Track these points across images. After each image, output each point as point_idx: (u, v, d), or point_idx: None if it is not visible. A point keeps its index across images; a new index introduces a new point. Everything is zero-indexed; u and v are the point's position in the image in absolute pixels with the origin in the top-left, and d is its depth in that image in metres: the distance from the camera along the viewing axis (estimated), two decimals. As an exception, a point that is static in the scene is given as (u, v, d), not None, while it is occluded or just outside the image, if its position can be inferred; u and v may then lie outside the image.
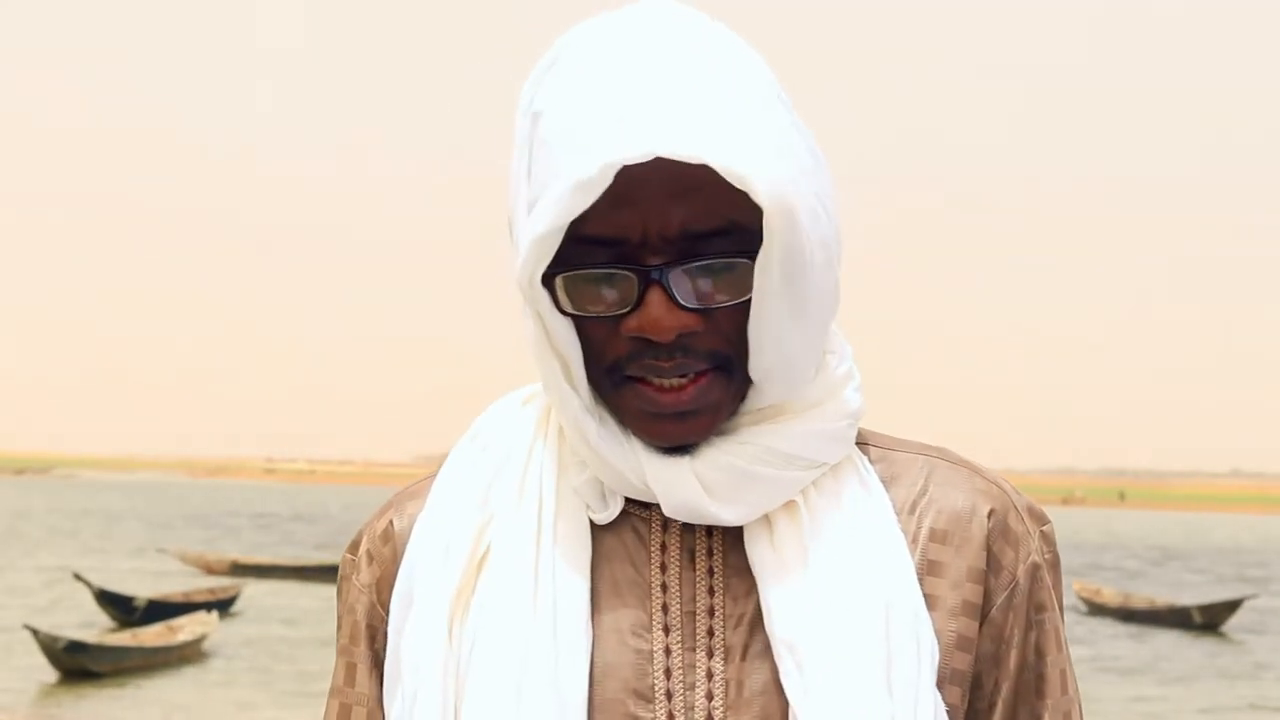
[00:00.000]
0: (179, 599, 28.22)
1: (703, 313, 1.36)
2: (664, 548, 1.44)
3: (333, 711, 1.52)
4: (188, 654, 22.60)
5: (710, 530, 1.44)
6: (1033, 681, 1.49)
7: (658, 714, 1.41)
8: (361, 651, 1.51)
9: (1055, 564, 1.51)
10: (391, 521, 1.52)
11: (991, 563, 1.47)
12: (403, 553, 1.48)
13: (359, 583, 1.52)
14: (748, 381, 1.40)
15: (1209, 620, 31.30)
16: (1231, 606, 31.79)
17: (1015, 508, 1.50)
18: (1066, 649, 1.52)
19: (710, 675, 1.41)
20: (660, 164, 1.32)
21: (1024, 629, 1.48)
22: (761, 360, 1.39)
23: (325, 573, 38.19)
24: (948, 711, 1.42)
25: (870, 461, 1.50)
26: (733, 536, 1.44)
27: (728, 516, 1.40)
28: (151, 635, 22.87)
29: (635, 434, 1.41)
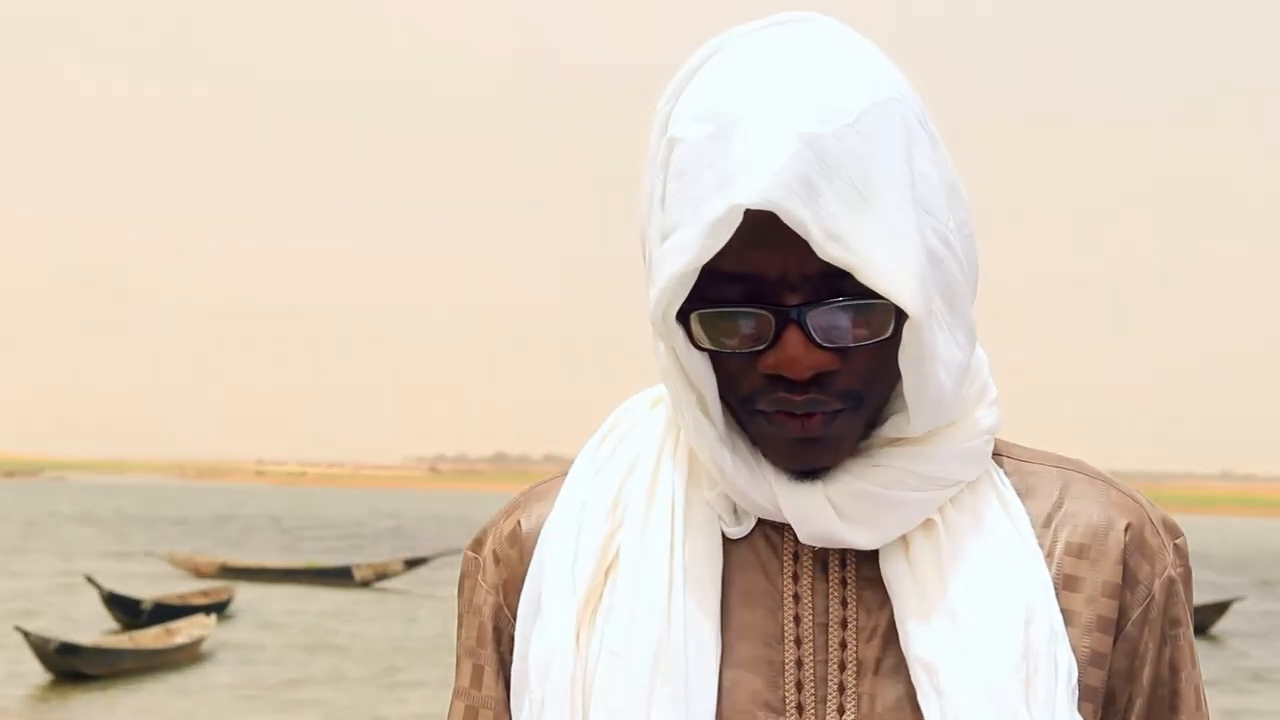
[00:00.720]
0: (175, 601, 28.23)
1: (839, 352, 1.34)
2: (797, 557, 1.43)
3: (458, 713, 1.51)
4: (184, 657, 22.54)
5: None
6: (1167, 697, 1.47)
7: None
8: (488, 654, 1.50)
9: (1188, 577, 1.50)
10: (519, 523, 1.51)
11: (1128, 577, 1.45)
12: (530, 555, 1.47)
13: (485, 583, 1.51)
14: (877, 413, 1.40)
15: (1198, 622, 31.35)
16: (1220, 609, 31.87)
17: (1151, 521, 1.48)
18: (1199, 665, 1.51)
19: (842, 689, 1.40)
20: None
21: (1159, 644, 1.46)
22: (921, 416, 1.38)
23: (313, 575, 38.27)
24: None
25: (1005, 474, 1.48)
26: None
27: (861, 541, 1.39)
28: (149, 638, 22.83)
29: (766, 458, 1.39)
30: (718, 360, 1.37)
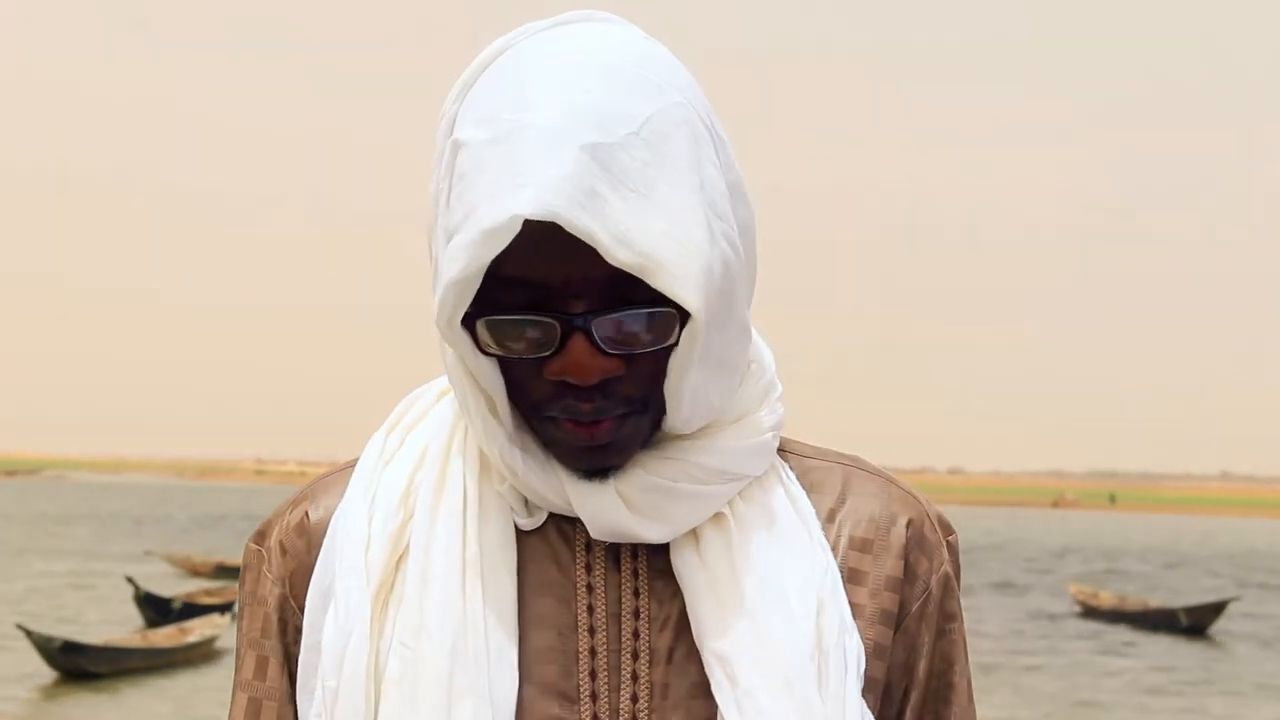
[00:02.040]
0: (204, 600, 28.22)
1: (625, 359, 1.35)
2: (589, 548, 1.44)
3: (240, 706, 1.49)
4: (195, 655, 22.52)
5: None
6: (940, 689, 1.51)
7: (583, 715, 1.40)
8: (273, 645, 1.48)
9: (959, 574, 1.53)
10: (307, 514, 1.50)
11: (908, 572, 1.48)
12: (318, 547, 1.46)
13: (270, 574, 1.49)
14: (663, 411, 1.40)
15: (1195, 622, 31.38)
16: (1217, 609, 31.88)
17: (929, 518, 1.52)
18: (969, 659, 1.55)
19: (635, 677, 1.41)
20: None
21: (934, 638, 1.50)
22: (679, 413, 1.39)
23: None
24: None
25: (790, 470, 1.50)
26: None
27: (652, 535, 1.40)
28: (163, 636, 22.81)
29: (556, 459, 1.40)
30: (505, 365, 1.37)
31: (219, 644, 23.66)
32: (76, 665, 20.24)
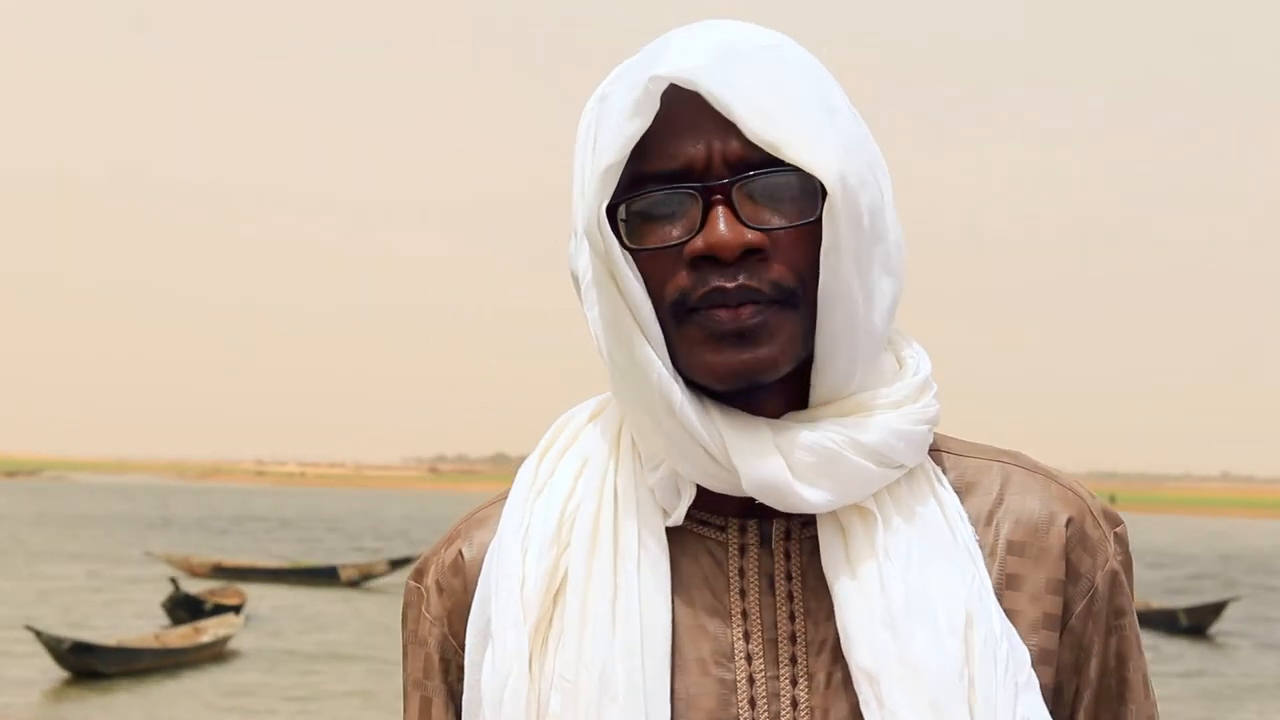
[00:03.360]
0: (233, 600, 28.24)
1: (768, 233, 1.35)
2: (742, 573, 1.42)
3: None
4: (206, 656, 22.45)
5: (788, 552, 1.42)
6: (1115, 687, 1.47)
7: None
8: (436, 685, 1.49)
9: (1129, 566, 1.49)
10: (461, 551, 1.49)
11: (1070, 571, 1.45)
12: (474, 584, 1.46)
13: (430, 614, 1.49)
14: (813, 332, 1.38)
15: (1195, 622, 31.36)
16: (1217, 609, 31.87)
17: (1091, 513, 1.48)
18: (1144, 653, 1.51)
19: (795, 704, 1.39)
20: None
21: (1104, 635, 1.46)
22: (828, 317, 1.37)
23: (300, 575, 38.33)
24: None
25: (944, 470, 1.47)
26: (809, 556, 1.42)
27: (812, 499, 1.37)
28: (176, 636, 22.76)
29: (701, 368, 1.37)
30: (649, 274, 1.37)
31: (232, 644, 23.62)
32: (87, 666, 20.23)
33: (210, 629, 23.37)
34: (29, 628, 20.59)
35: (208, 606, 26.92)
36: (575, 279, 1.44)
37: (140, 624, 26.37)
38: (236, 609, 26.55)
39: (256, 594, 31.52)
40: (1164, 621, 31.79)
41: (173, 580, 27.98)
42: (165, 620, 26.81)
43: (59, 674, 20.43)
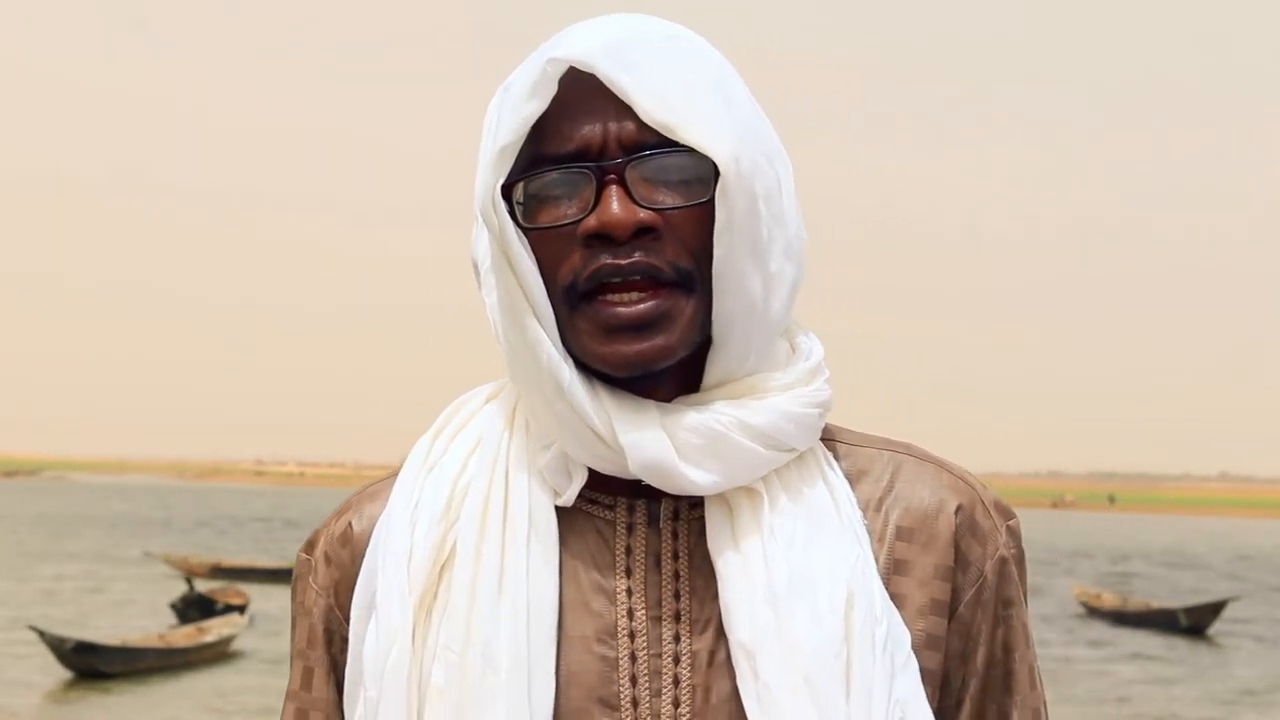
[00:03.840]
0: (239, 601, 28.28)
1: (661, 213, 1.36)
2: (629, 551, 1.43)
3: (289, 715, 1.50)
4: (210, 655, 22.42)
5: (675, 533, 1.43)
6: (1001, 678, 1.48)
7: None
8: (319, 655, 1.49)
9: (1021, 559, 1.50)
10: (350, 524, 1.50)
11: (959, 559, 1.46)
12: (362, 556, 1.46)
13: (316, 585, 1.50)
14: (708, 316, 1.39)
15: (1194, 622, 31.39)
16: (1216, 609, 31.90)
17: (982, 503, 1.49)
18: (1033, 645, 1.51)
19: (677, 681, 1.40)
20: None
21: (992, 625, 1.47)
22: (724, 301, 1.38)
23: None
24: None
25: (836, 457, 1.48)
26: (697, 537, 1.43)
27: (699, 480, 1.39)
28: (180, 636, 22.75)
29: (593, 357, 1.38)
30: (542, 255, 1.38)
31: (236, 644, 23.60)
32: (90, 665, 20.22)
33: (214, 629, 23.34)
34: (32, 628, 20.59)
35: (219, 607, 26.87)
36: (475, 266, 1.46)
37: (143, 624, 26.36)
38: (241, 609, 26.55)
39: (259, 594, 31.58)
40: (1164, 621, 31.85)
41: (188, 580, 27.94)
42: (167, 620, 26.83)
43: (61, 674, 20.44)
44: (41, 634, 20.15)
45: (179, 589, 32.84)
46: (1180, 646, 29.02)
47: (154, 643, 21.98)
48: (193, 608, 27.02)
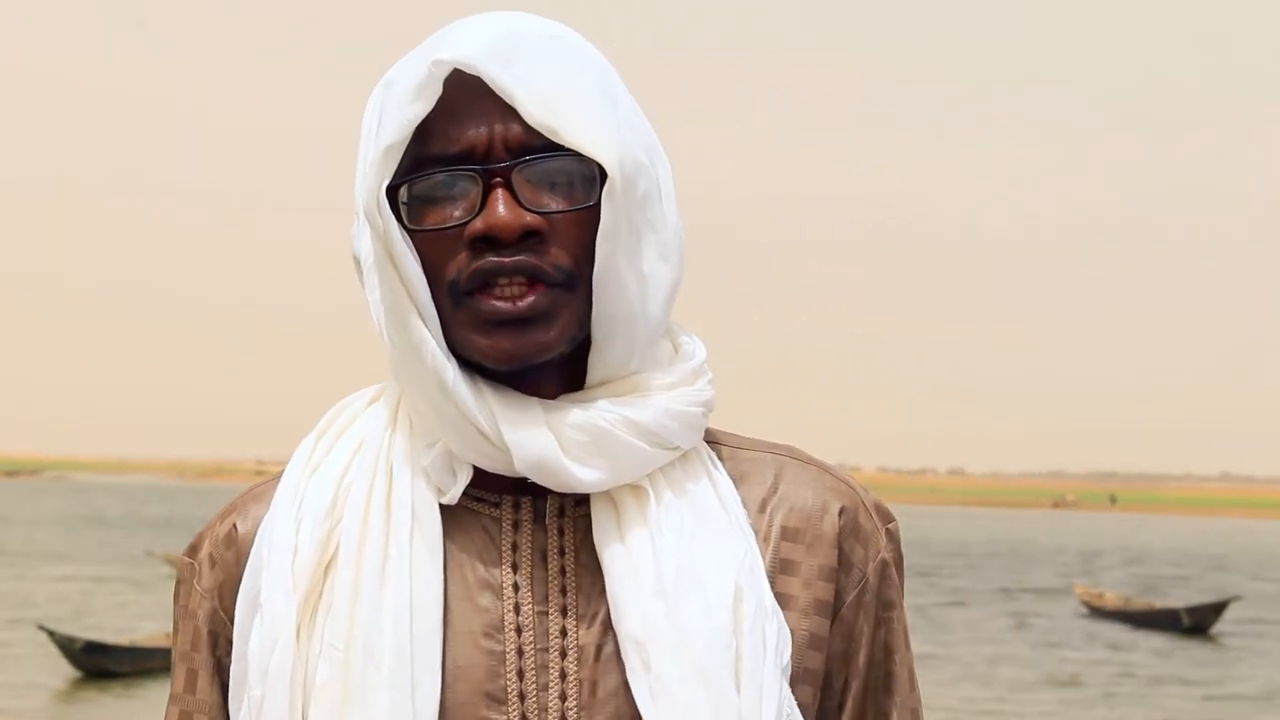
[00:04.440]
0: None
1: (546, 217, 1.37)
2: (515, 547, 1.43)
3: (173, 718, 1.49)
4: None
5: (562, 529, 1.44)
6: (881, 679, 1.49)
7: (510, 716, 1.39)
8: (203, 658, 1.48)
9: (900, 561, 1.51)
10: (235, 525, 1.49)
11: (843, 560, 1.47)
12: (246, 557, 1.45)
13: (200, 587, 1.49)
14: (589, 315, 1.40)
15: (1196, 622, 31.43)
16: (1218, 609, 31.92)
17: (864, 505, 1.50)
18: (911, 647, 1.53)
19: (564, 676, 1.40)
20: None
21: (873, 627, 1.48)
22: (605, 302, 1.39)
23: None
24: (801, 709, 1.42)
25: (720, 460, 1.49)
26: (584, 533, 1.44)
27: (585, 477, 1.39)
28: None
29: (474, 350, 1.39)
30: (427, 256, 1.38)
31: None
32: (99, 665, 20.25)
33: None
34: (42, 627, 20.61)
35: None
36: (356, 262, 1.45)
37: (146, 624, 26.40)
38: None
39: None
40: (1166, 621, 31.87)
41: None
42: (168, 620, 26.80)
43: (66, 674, 20.45)
44: (51, 634, 20.18)
45: (172, 588, 32.79)
46: (1183, 645, 29.00)
47: (161, 642, 22.00)
48: None
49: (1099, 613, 34.10)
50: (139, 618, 27.82)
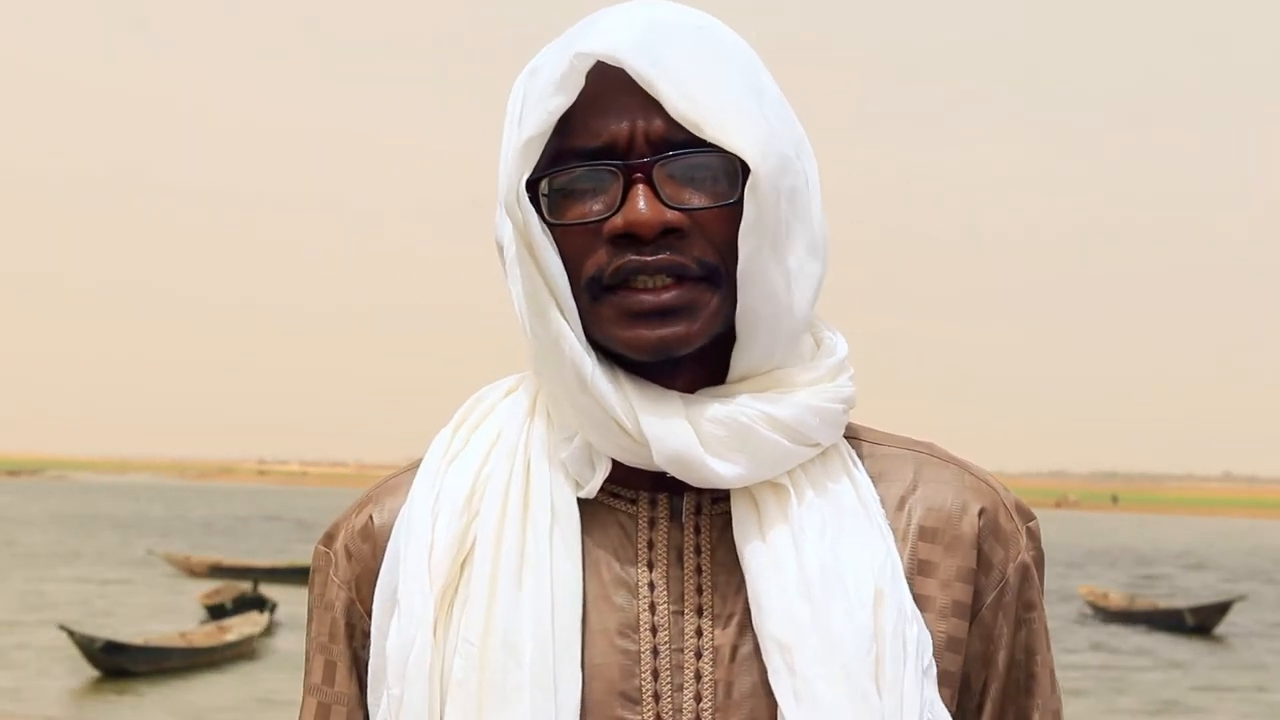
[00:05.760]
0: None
1: (688, 213, 1.36)
2: (651, 545, 1.42)
3: (310, 709, 1.49)
4: (234, 654, 22.45)
5: (698, 527, 1.43)
6: (1022, 680, 1.48)
7: (645, 716, 1.39)
8: (340, 649, 1.48)
9: (1041, 561, 1.50)
10: (371, 517, 1.49)
11: (982, 561, 1.46)
12: (383, 550, 1.45)
13: (337, 578, 1.49)
14: (733, 309, 1.39)
15: (1201, 622, 31.37)
16: (1223, 609, 31.85)
17: (1005, 505, 1.49)
18: (1052, 647, 1.52)
19: (699, 676, 1.39)
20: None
21: (1013, 628, 1.47)
22: (749, 297, 1.37)
23: (297, 574, 38.35)
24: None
25: (860, 456, 1.47)
26: (721, 531, 1.42)
27: (724, 472, 1.38)
28: (201, 635, 22.81)
29: (615, 342, 1.37)
30: (567, 250, 1.37)
31: (257, 643, 23.62)
32: (118, 665, 20.30)
33: (235, 628, 23.42)
34: (62, 627, 20.68)
35: (269, 606, 26.85)
36: (500, 251, 1.44)
37: (150, 625, 26.37)
38: (260, 607, 26.55)
39: (285, 593, 31.53)
40: (1170, 621, 31.78)
41: (254, 580, 28.28)
42: (169, 619, 26.77)
43: (72, 674, 20.38)
44: (71, 633, 20.25)
45: (182, 589, 32.80)
46: (1187, 645, 28.92)
47: (176, 642, 21.97)
48: (251, 607, 27.00)
49: (1103, 613, 34.03)
50: (140, 618, 27.70)
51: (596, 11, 1.42)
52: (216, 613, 27.25)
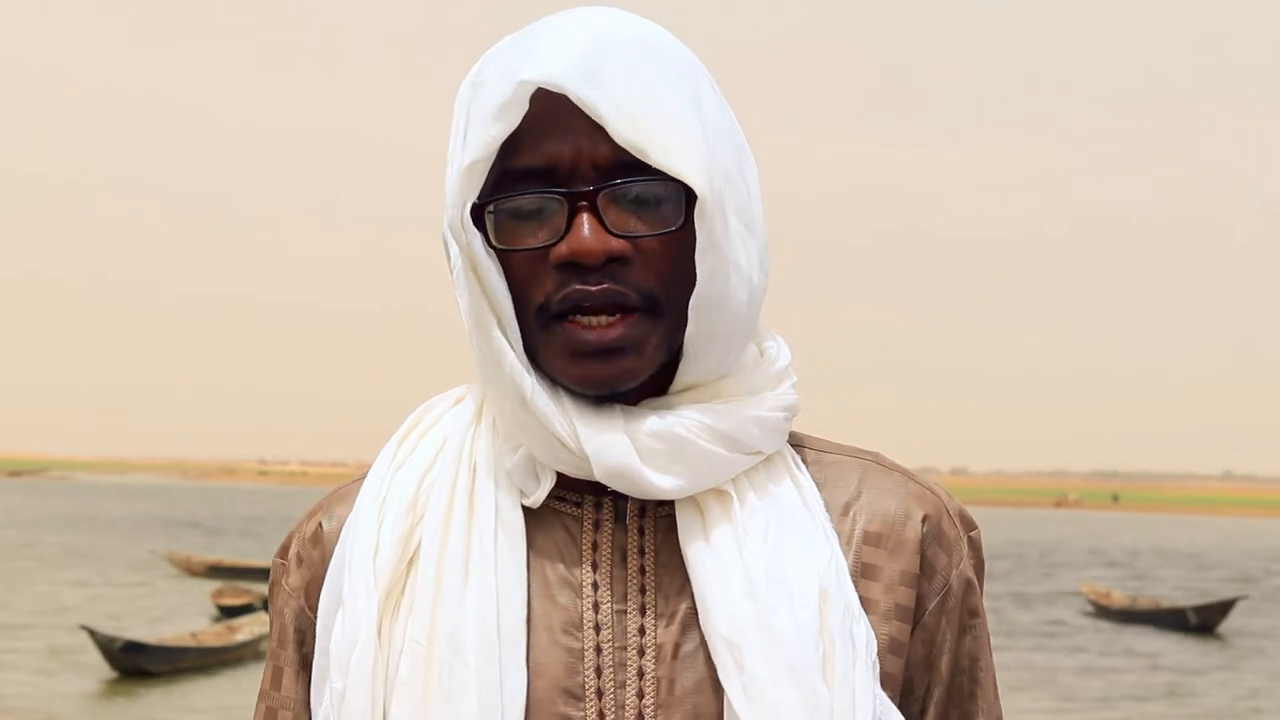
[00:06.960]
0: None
1: (632, 241, 1.37)
2: (595, 546, 1.44)
3: (260, 715, 1.51)
4: (245, 654, 22.49)
5: (642, 529, 1.44)
6: (966, 686, 1.50)
7: (588, 713, 1.40)
8: (289, 655, 1.50)
9: (981, 568, 1.52)
10: (320, 524, 1.51)
11: (925, 567, 1.47)
12: (332, 555, 1.47)
13: (288, 586, 1.51)
14: (677, 336, 1.40)
15: (1204, 621, 31.43)
16: (1225, 608, 31.92)
17: (948, 513, 1.50)
18: (993, 654, 1.53)
19: (641, 674, 1.41)
20: None
21: (957, 634, 1.49)
22: (706, 318, 1.39)
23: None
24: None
25: (804, 463, 1.49)
26: (665, 533, 1.44)
27: (664, 485, 1.39)
28: (210, 635, 22.85)
29: (562, 377, 1.39)
30: (513, 273, 1.38)
31: (266, 642, 23.56)
32: (137, 665, 20.34)
33: (245, 627, 23.43)
34: (84, 627, 20.79)
35: None
36: (447, 256, 1.44)
37: (155, 625, 26.41)
38: (266, 606, 26.54)
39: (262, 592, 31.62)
40: (1173, 620, 31.87)
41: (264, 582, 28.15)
42: (170, 620, 26.85)
43: (78, 674, 20.47)
44: (93, 634, 20.37)
45: (183, 588, 32.90)
46: (1190, 644, 29.01)
47: (189, 642, 22.05)
48: (261, 608, 27.07)
49: (1105, 611, 34.10)
50: (151, 619, 27.79)
51: (541, 20, 1.42)
52: (231, 613, 27.33)
